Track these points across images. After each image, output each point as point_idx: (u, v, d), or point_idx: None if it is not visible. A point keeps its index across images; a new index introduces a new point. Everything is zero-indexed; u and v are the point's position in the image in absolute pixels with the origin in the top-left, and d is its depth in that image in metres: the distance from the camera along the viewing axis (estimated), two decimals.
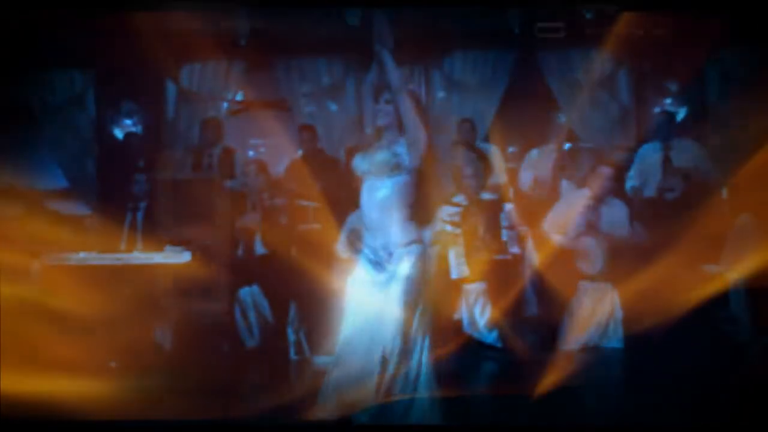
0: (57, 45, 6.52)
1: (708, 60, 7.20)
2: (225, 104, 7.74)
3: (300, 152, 7.15)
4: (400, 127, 3.65)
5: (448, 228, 5.80)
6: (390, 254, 3.61)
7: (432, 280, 3.72)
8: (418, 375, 3.56)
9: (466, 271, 5.72)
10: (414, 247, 3.63)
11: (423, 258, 3.66)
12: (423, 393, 3.56)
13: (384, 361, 3.52)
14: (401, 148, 3.63)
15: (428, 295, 3.66)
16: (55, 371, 4.46)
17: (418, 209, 3.73)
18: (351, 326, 3.64)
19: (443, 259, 5.75)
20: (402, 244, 3.61)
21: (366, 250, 3.68)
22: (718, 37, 6.27)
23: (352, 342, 3.60)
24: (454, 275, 5.74)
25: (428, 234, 3.81)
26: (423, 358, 3.59)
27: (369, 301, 3.61)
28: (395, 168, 3.62)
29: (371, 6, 6.29)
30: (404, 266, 3.59)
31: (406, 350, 3.55)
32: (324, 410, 3.61)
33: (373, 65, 3.82)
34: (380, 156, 3.65)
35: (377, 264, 3.63)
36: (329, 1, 6.43)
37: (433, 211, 5.49)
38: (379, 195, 3.65)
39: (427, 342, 3.61)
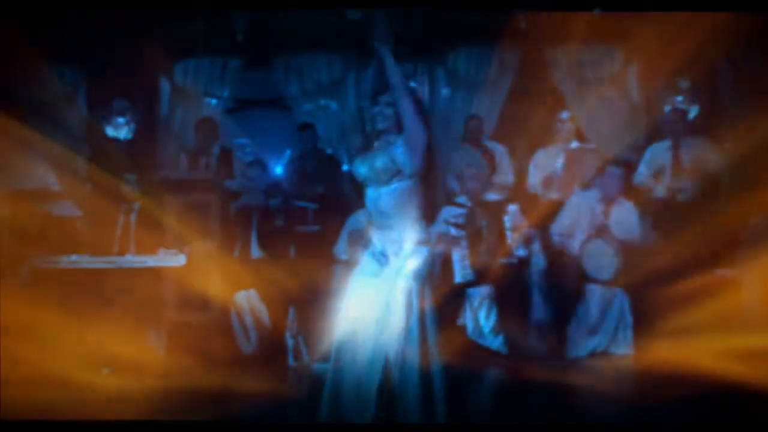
0: (48, 41, 6.54)
1: (721, 57, 7.22)
2: (214, 101, 7.76)
3: (298, 151, 7.18)
4: (399, 128, 3.67)
5: (452, 230, 5.81)
6: (400, 248, 3.64)
7: (437, 283, 3.75)
8: (423, 374, 3.58)
9: (470, 274, 5.73)
10: (424, 248, 3.67)
11: (430, 259, 3.70)
12: (428, 393, 3.59)
13: (387, 361, 3.55)
14: (400, 151, 3.64)
15: (434, 296, 3.69)
16: (49, 376, 4.49)
17: (425, 210, 3.77)
18: (352, 323, 3.66)
19: (447, 262, 5.77)
20: (412, 242, 3.65)
21: (375, 242, 3.71)
22: (731, 33, 6.29)
23: (352, 340, 3.62)
24: (457, 279, 5.75)
25: (434, 235, 3.84)
26: (429, 358, 3.61)
27: (373, 296, 3.64)
28: (396, 174, 3.64)
29: (371, 6, 6.32)
30: (413, 263, 3.62)
31: (410, 350, 3.58)
32: (325, 412, 3.64)
33: (372, 63, 3.84)
34: (380, 162, 3.66)
35: (384, 257, 3.66)
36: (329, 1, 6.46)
37: (436, 212, 5.54)
38: (384, 203, 3.67)
39: (433, 343, 3.63)
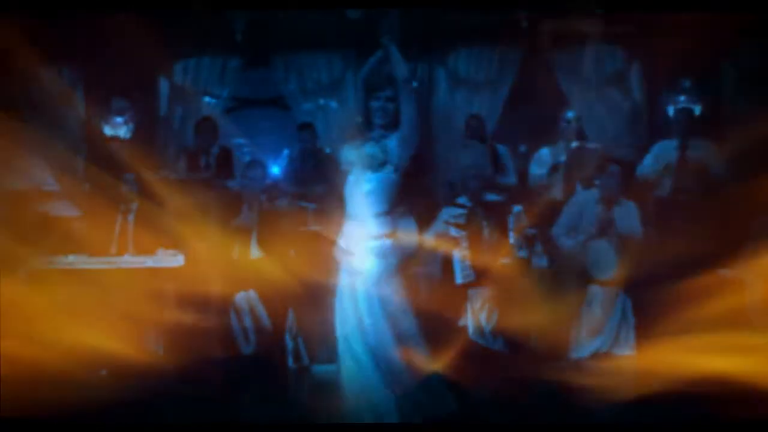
0: (46, 40, 6.54)
1: (724, 56, 7.22)
2: (213, 100, 7.76)
3: (297, 151, 7.18)
4: (396, 123, 3.71)
5: (453, 230, 5.80)
6: (359, 249, 3.70)
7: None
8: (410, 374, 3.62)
9: (471, 275, 5.73)
10: (385, 242, 3.69)
11: (394, 252, 3.73)
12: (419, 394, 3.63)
13: (376, 360, 3.60)
14: (394, 144, 3.68)
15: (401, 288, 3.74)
16: (47, 376, 4.49)
17: (399, 205, 3.82)
18: (341, 327, 3.74)
19: (447, 263, 5.77)
20: (373, 237, 3.68)
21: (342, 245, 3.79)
22: (735, 32, 6.29)
23: (346, 343, 3.69)
24: (458, 280, 5.75)
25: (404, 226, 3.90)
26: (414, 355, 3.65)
27: (352, 300, 3.69)
28: (383, 163, 3.68)
29: (371, 6, 6.33)
30: (373, 261, 3.67)
31: (392, 347, 3.62)
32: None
33: (370, 59, 3.87)
34: (369, 149, 3.70)
35: (354, 259, 3.73)
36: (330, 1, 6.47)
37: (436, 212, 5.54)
38: (363, 189, 3.71)
39: (417, 339, 3.67)
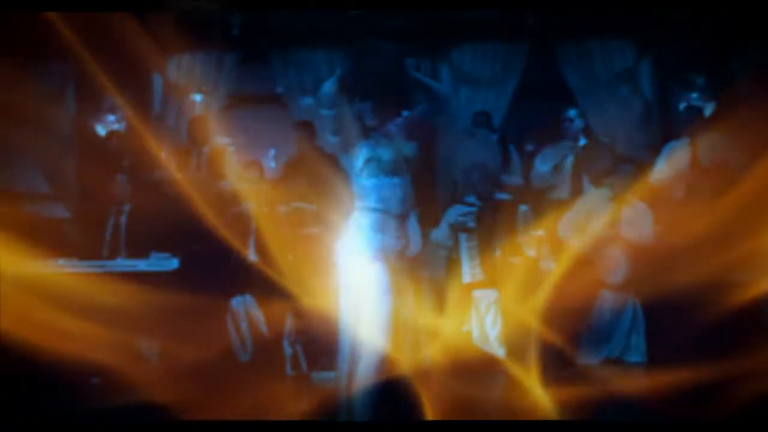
0: (36, 37, 6.54)
1: (736, 50, 7.21)
2: (208, 97, 7.76)
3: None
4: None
5: (460, 230, 5.80)
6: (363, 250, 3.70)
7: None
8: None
9: (479, 274, 5.72)
10: (392, 244, 3.71)
11: (401, 253, 3.75)
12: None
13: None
14: (408, 148, 3.70)
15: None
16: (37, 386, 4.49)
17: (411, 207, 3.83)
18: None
19: (454, 262, 5.76)
20: (379, 239, 3.69)
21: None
22: (745, 26, 6.29)
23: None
24: (466, 278, 5.74)
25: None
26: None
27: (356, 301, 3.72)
28: (399, 168, 3.70)
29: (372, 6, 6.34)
30: (377, 262, 3.68)
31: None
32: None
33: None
34: (385, 154, 3.71)
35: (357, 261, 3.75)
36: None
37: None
38: (376, 192, 3.72)
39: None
